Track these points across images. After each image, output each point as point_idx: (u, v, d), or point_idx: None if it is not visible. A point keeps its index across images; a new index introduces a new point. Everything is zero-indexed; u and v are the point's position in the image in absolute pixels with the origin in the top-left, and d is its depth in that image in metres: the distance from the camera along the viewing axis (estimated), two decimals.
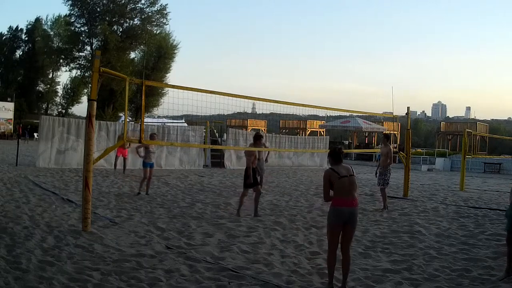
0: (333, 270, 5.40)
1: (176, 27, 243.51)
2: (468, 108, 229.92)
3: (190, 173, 19.53)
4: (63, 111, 61.55)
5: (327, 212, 5.45)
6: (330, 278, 5.38)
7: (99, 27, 48.12)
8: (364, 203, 11.94)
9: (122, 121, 30.58)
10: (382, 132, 43.18)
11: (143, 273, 5.64)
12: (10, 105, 48.17)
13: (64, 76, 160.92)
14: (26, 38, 59.22)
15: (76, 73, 55.25)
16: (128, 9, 49.81)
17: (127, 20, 50.67)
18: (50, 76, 61.64)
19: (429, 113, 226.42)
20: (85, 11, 49.52)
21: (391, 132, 44.81)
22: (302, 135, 47.86)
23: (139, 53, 55.01)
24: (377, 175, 11.55)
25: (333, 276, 5.41)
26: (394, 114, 16.79)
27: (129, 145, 16.46)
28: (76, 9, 49.75)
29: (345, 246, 5.35)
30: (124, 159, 17.59)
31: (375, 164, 32.19)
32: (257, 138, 10.66)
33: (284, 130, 56.31)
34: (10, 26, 59.94)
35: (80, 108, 69.07)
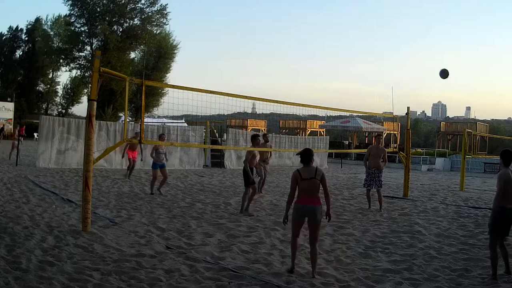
0: (295, 255, 6.07)
1: (176, 27, 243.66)
2: (468, 108, 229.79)
3: (190, 173, 19.52)
4: (63, 111, 61.47)
5: (325, 213, 5.95)
6: (292, 261, 6.05)
7: (99, 27, 48.06)
8: (364, 203, 11.93)
9: (122, 121, 30.56)
10: (382, 131, 43.24)
11: (143, 273, 5.65)
12: (10, 105, 48.16)
13: (64, 76, 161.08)
14: (26, 38, 59.12)
15: (76, 73, 55.23)
16: (128, 9, 49.74)
17: (127, 20, 50.59)
18: (50, 76, 61.57)
19: (429, 113, 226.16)
20: (85, 11, 49.45)
21: (391, 132, 44.89)
22: (302, 135, 47.85)
23: (139, 53, 54.97)
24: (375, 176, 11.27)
25: (295, 260, 6.05)
26: (394, 114, 16.78)
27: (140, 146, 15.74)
28: (76, 9, 49.68)
29: (311, 241, 5.96)
30: (134, 163, 16.30)
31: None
32: (255, 138, 11.07)
33: (284, 130, 56.28)
34: (10, 26, 59.89)
35: (80, 108, 69.02)
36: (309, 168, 5.95)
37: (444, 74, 12.48)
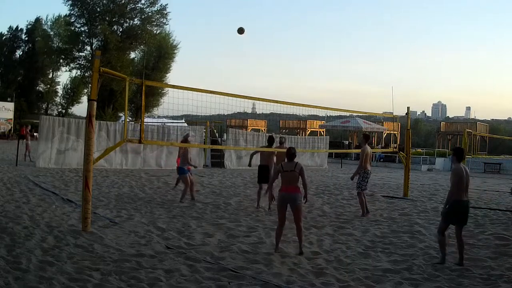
0: (279, 240, 7.08)
1: (176, 27, 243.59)
2: (468, 108, 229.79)
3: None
4: (63, 111, 61.42)
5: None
6: (276, 245, 7.06)
7: (99, 27, 48.04)
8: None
9: (122, 121, 30.56)
10: (383, 131, 43.19)
11: (143, 273, 5.65)
12: (10, 105, 48.13)
13: (64, 76, 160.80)
14: (26, 38, 59.03)
15: (76, 73, 55.17)
16: (128, 9, 49.71)
17: (127, 20, 50.56)
18: (50, 76, 61.49)
19: (429, 113, 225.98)
20: (85, 11, 49.42)
21: (391, 132, 44.87)
22: (302, 135, 47.83)
23: (139, 53, 54.92)
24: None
25: (278, 244, 7.04)
26: (394, 114, 16.77)
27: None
28: (76, 9, 49.64)
29: (295, 222, 7.07)
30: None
31: (374, 163, 32.23)
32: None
33: (284, 130, 56.24)
34: (10, 26, 59.70)
35: (80, 108, 68.96)
36: (291, 163, 7.14)
37: (240, 31, 12.51)
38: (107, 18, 49.28)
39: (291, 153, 7.24)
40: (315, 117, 62.91)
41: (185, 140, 12.75)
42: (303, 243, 7.02)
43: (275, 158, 11.36)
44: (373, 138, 47.86)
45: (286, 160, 7.33)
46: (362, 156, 10.58)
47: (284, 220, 7.09)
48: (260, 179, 11.02)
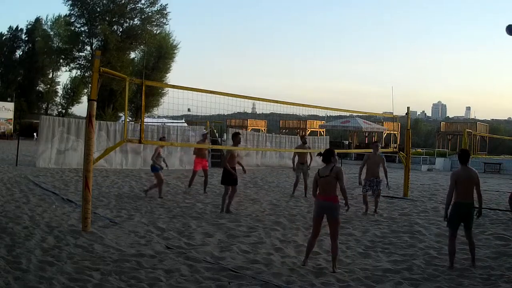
0: (310, 251, 6.40)
1: (176, 27, 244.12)
2: (468, 108, 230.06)
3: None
4: (63, 111, 61.46)
5: (344, 203, 6.46)
6: (305, 256, 6.39)
7: (99, 27, 48.10)
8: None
9: (122, 121, 30.56)
10: (382, 133, 43.21)
11: (143, 273, 5.65)
12: (10, 105, 48.18)
13: (64, 76, 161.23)
14: (26, 38, 59.09)
15: (76, 73, 55.27)
16: (128, 9, 49.78)
17: (127, 20, 50.64)
18: (50, 76, 61.54)
19: (429, 113, 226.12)
20: (85, 11, 49.49)
21: (391, 132, 44.87)
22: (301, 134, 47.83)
23: (139, 53, 55.02)
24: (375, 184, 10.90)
25: (308, 256, 6.36)
26: (394, 114, 16.77)
27: (208, 152, 13.76)
28: (76, 9, 49.72)
29: (331, 236, 6.27)
30: (205, 172, 14.01)
31: None
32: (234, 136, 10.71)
33: (284, 130, 56.26)
34: (10, 26, 59.83)
35: (80, 108, 69.06)
36: (327, 167, 6.31)
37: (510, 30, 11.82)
38: (107, 18, 49.34)
39: (326, 155, 6.37)
40: (315, 117, 62.99)
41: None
42: (337, 262, 6.19)
43: (237, 157, 10.51)
44: (373, 138, 47.87)
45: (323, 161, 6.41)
46: (384, 163, 11.09)
47: (319, 231, 6.41)
48: (225, 181, 10.09)
